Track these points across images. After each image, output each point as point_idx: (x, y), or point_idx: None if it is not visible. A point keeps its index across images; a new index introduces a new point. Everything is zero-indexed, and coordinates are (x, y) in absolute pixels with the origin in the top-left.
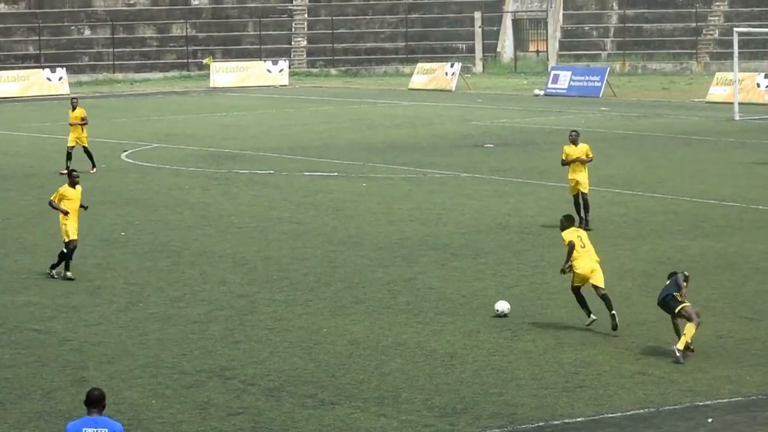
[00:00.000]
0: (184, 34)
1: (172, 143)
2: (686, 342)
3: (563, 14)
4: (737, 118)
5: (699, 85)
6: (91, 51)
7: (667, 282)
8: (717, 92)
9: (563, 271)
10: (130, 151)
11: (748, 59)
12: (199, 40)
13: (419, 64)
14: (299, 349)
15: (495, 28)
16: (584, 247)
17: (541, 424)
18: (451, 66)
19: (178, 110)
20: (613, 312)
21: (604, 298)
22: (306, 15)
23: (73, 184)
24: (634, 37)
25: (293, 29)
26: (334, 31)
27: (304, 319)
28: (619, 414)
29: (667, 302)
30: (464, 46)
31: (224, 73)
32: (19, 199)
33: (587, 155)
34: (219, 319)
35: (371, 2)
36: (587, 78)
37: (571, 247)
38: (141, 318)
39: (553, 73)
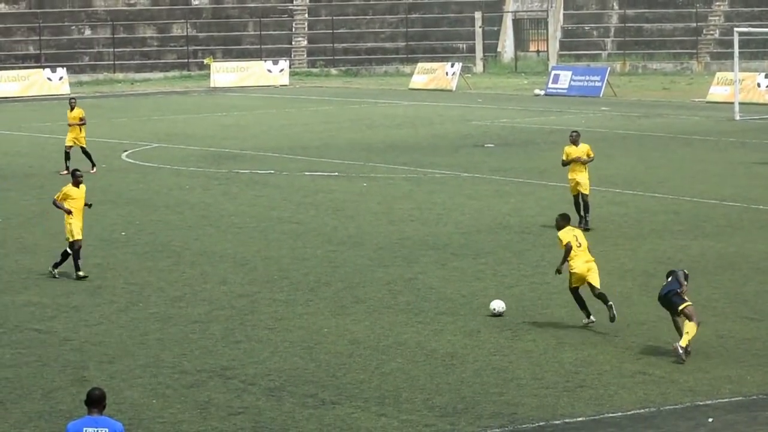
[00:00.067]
0: (185, 33)
1: (173, 143)
2: (689, 340)
3: (564, 14)
4: (738, 118)
5: (699, 85)
6: (91, 51)
7: (668, 279)
8: (717, 92)
9: (558, 271)
10: (130, 151)
11: (748, 59)
12: (200, 40)
13: (420, 64)
14: (300, 349)
15: (495, 28)
16: (580, 246)
17: (541, 423)
18: (452, 66)
19: (179, 110)
20: (610, 303)
21: (600, 297)
22: (306, 15)
23: (76, 184)
24: (634, 36)
25: (293, 29)
26: (335, 31)
27: (305, 319)
28: (620, 414)
29: (670, 298)
30: (465, 45)
31: (225, 73)
32: (20, 199)
33: (588, 155)
34: (219, 319)
35: (371, 2)
36: (588, 78)
37: (568, 249)
38: (141, 318)
39: (553, 72)
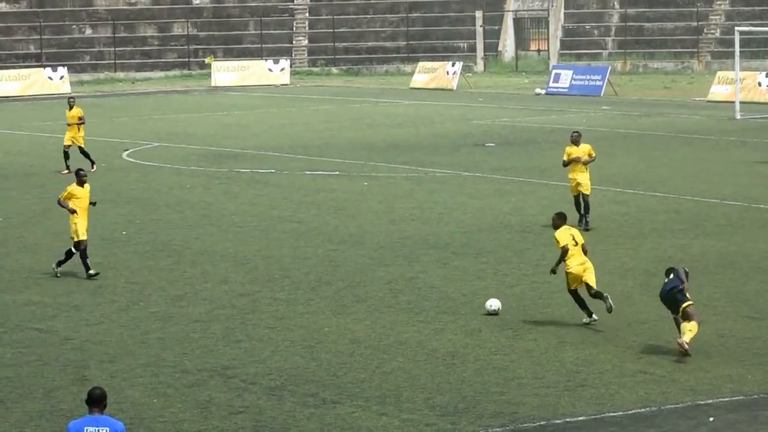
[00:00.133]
0: (186, 33)
1: (174, 142)
2: (691, 338)
3: (564, 13)
4: (738, 117)
5: (700, 84)
6: (92, 50)
7: (671, 276)
8: (718, 91)
9: (553, 271)
10: (131, 150)
11: (749, 58)
12: (201, 39)
13: (420, 63)
14: (301, 348)
15: (496, 27)
16: (576, 245)
17: (542, 423)
18: (453, 65)
19: (180, 109)
20: (606, 295)
21: (597, 295)
22: (307, 14)
23: (81, 183)
24: (635, 36)
25: (294, 28)
26: (336, 30)
27: (306, 318)
28: (621, 413)
29: (674, 295)
30: (465, 45)
31: (225, 72)
32: (20, 199)
33: (589, 155)
34: (220, 318)
35: (372, 1)
36: (588, 77)
37: (565, 251)
38: (142, 317)
39: (554, 72)
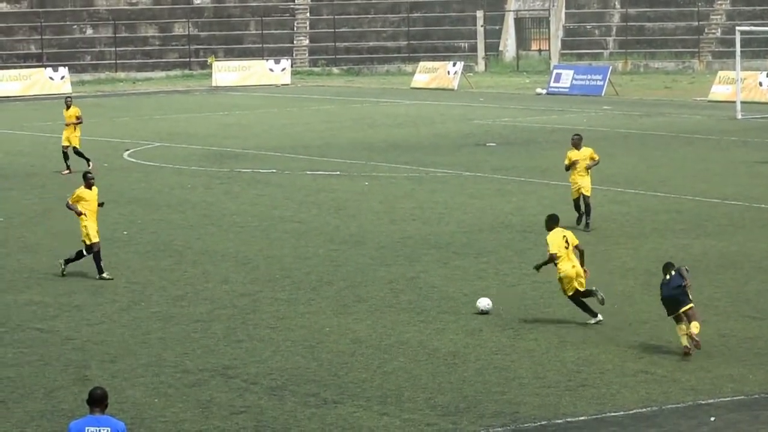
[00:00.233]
0: (187, 33)
1: (175, 142)
2: (697, 332)
3: (565, 13)
4: (739, 116)
5: (701, 83)
6: (93, 50)
7: (672, 273)
8: (719, 91)
9: (537, 268)
10: (132, 150)
11: (750, 58)
12: (201, 39)
13: (421, 63)
14: (302, 348)
15: (497, 27)
16: (567, 247)
17: (543, 422)
18: (453, 65)
19: (181, 109)
20: (595, 289)
21: (587, 294)
22: (308, 14)
23: (89, 186)
24: (636, 35)
25: (295, 28)
26: (336, 30)
27: (307, 318)
28: (622, 413)
29: (677, 295)
30: (466, 44)
31: (226, 72)
32: (21, 199)
33: (592, 158)
34: (221, 318)
35: (373, 1)
36: (589, 77)
37: (552, 258)
38: (143, 317)
39: (555, 71)
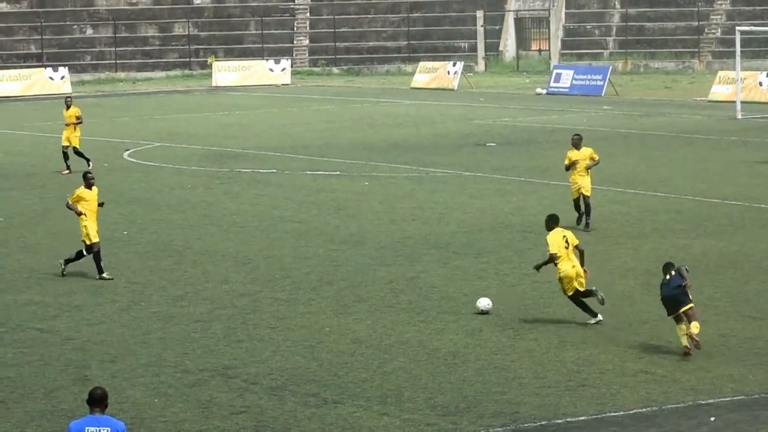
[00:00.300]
0: (187, 33)
1: (175, 142)
2: (697, 332)
3: (565, 13)
4: (739, 116)
5: (701, 83)
6: (93, 50)
7: (672, 273)
8: (719, 91)
9: (537, 268)
10: (132, 150)
11: (750, 58)
12: (201, 39)
13: (421, 63)
14: (302, 348)
15: (497, 27)
16: (567, 247)
17: (543, 422)
18: (453, 65)
19: (181, 109)
20: (595, 289)
21: (587, 294)
22: (308, 14)
23: (89, 186)
24: (636, 35)
25: (295, 28)
26: (336, 30)
27: (307, 318)
28: (622, 413)
29: (677, 295)
30: (466, 44)
31: (226, 72)
32: (21, 199)
33: (592, 158)
34: (221, 318)
35: (373, 1)
36: (589, 77)
37: (552, 258)
38: (143, 317)
39: (555, 71)
